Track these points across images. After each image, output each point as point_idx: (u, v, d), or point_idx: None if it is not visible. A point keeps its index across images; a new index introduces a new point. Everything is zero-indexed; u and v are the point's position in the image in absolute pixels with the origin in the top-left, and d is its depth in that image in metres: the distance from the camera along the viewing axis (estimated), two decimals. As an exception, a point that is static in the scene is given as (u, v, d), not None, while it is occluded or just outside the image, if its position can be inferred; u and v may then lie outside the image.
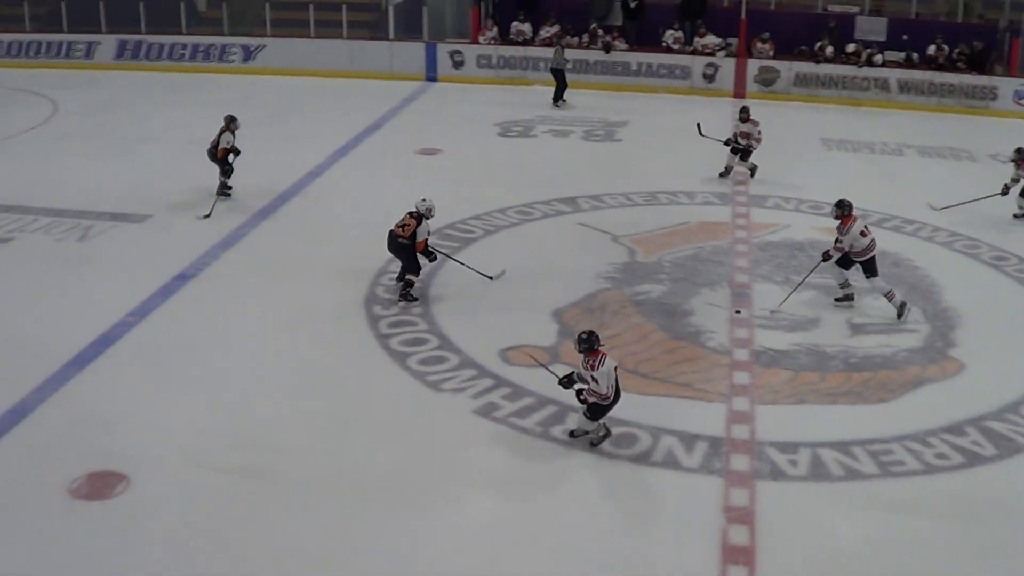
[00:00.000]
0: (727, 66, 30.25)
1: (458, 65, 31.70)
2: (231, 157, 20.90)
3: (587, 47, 31.35)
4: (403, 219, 16.49)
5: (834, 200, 16.56)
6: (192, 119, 27.17)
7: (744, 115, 22.08)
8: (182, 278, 17.50)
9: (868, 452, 12.71)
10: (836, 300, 16.63)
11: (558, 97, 29.29)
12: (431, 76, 31.54)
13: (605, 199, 20.95)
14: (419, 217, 16.40)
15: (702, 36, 30.64)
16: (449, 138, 25.38)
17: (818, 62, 30.17)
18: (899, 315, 16.22)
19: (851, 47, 30.39)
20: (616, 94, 30.33)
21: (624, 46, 31.33)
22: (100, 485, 12.13)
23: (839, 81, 30.08)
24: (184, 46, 33.99)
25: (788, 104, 29.50)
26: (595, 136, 25.94)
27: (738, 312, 16.39)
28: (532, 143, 25.45)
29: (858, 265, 16.37)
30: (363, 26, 33.54)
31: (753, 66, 30.18)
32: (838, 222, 16.25)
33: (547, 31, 31.78)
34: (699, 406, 13.75)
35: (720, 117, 26.42)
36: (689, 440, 12.90)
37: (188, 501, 11.91)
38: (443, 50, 31.93)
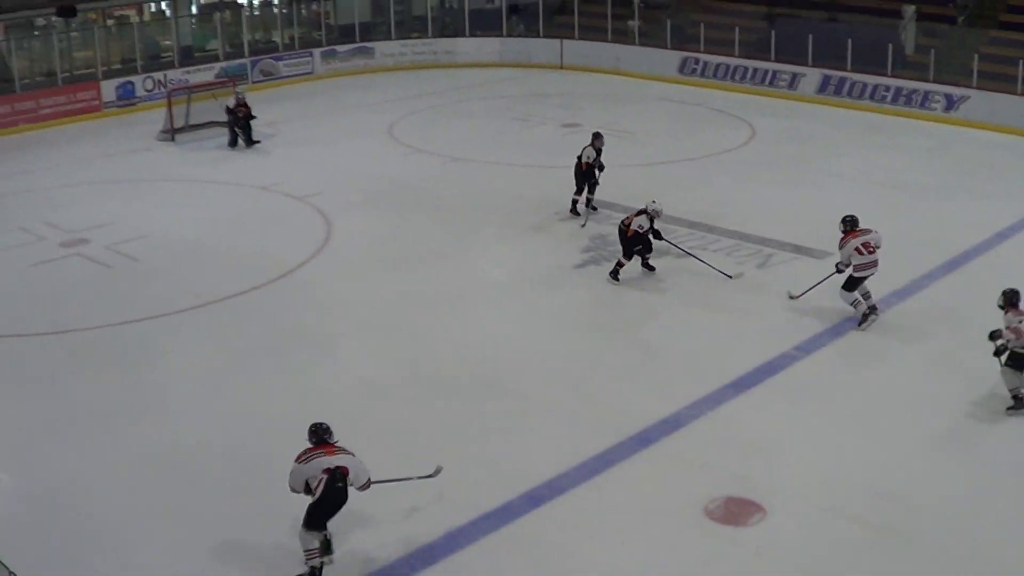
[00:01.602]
0: None
1: None
2: (597, 173, 21.79)
3: None
4: None
5: None
6: (886, 162, 26.74)
7: (1004, 301, 14.56)
8: (853, 321, 17.15)
9: None
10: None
11: None
12: None
13: None
14: (643, 212, 18.50)
15: None
16: None
17: None
18: (860, 324, 16.94)
19: None
20: None
21: None
22: (736, 511, 12.20)
23: None
24: (887, 88, 33.50)
25: None
26: None
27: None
28: None
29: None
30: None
31: None
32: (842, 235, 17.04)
33: None
34: None
35: None
36: None
37: (817, 546, 11.68)
38: None
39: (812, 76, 34.69)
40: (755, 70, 35.77)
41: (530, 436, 13.84)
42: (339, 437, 11.08)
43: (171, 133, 30.07)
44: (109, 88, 34.41)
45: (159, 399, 15.19)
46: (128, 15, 38.55)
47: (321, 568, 11.01)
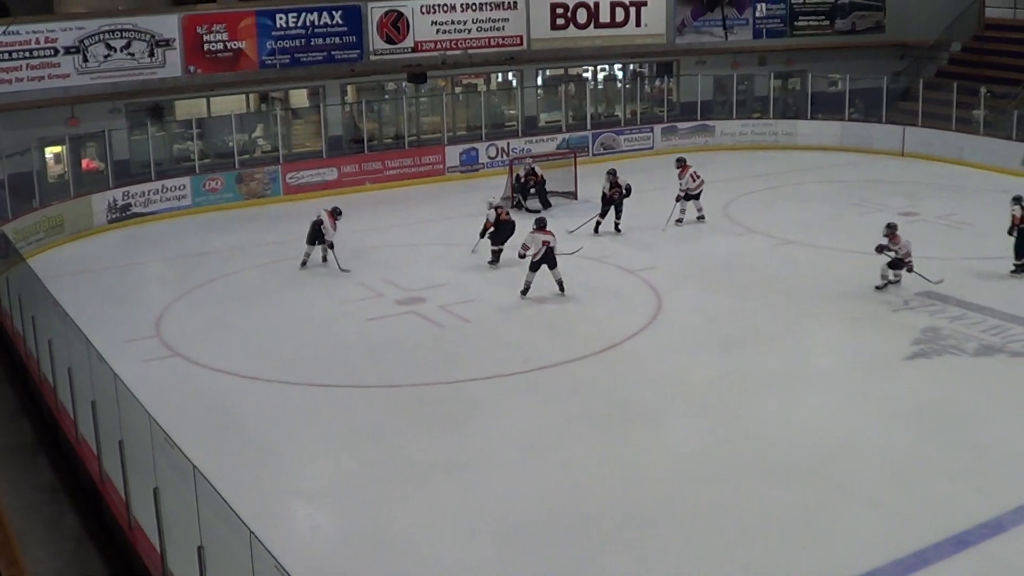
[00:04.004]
0: None
1: None
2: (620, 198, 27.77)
3: None
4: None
5: None
6: None
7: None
8: None
9: None
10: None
11: None
12: None
13: None
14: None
15: None
16: None
17: None
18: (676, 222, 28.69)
19: None
20: None
21: None
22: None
23: None
24: None
25: None
26: None
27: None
28: None
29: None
30: None
31: None
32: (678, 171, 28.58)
33: None
34: None
35: None
36: None
37: None
38: None
39: None
40: (1105, 165, 34.25)
41: (846, 526, 13.71)
42: (653, 513, 11.25)
43: (511, 200, 31.08)
44: (453, 153, 36.19)
45: (480, 457, 15.88)
46: (476, 84, 40.27)
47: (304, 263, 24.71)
